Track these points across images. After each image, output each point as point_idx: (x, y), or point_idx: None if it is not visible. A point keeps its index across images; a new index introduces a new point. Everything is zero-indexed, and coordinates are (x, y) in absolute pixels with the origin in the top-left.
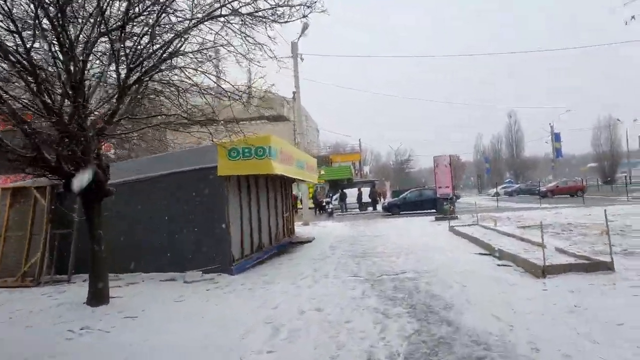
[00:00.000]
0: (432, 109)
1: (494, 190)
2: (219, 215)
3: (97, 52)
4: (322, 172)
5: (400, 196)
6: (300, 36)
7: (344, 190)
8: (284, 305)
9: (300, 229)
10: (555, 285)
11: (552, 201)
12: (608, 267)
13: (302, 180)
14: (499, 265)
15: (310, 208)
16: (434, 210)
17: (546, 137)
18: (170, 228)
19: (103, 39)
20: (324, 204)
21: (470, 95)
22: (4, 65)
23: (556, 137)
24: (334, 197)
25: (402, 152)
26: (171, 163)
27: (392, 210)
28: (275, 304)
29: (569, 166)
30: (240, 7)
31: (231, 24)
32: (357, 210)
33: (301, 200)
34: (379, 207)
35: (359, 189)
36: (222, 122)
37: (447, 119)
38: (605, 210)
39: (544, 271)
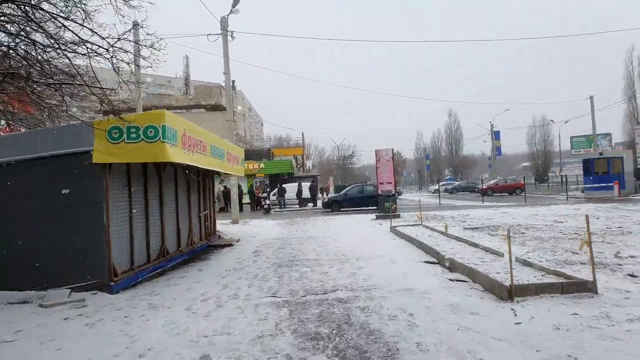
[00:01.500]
0: (378, 105)
1: (435, 187)
2: (94, 216)
3: None
4: (262, 166)
5: (341, 192)
6: (230, 11)
7: (283, 186)
8: (157, 348)
9: (226, 229)
10: (531, 317)
11: (493, 199)
12: (589, 288)
13: (226, 174)
14: (451, 280)
15: (245, 204)
16: (376, 208)
17: (484, 135)
18: (28, 232)
19: None
20: (261, 199)
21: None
22: None
23: (496, 135)
24: (272, 192)
25: (345, 148)
26: (29, 145)
27: (333, 206)
28: (148, 345)
29: (503, 165)
30: None
31: None
32: (297, 206)
33: (226, 196)
34: (320, 204)
35: (299, 184)
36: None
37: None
38: (587, 217)
39: (511, 292)
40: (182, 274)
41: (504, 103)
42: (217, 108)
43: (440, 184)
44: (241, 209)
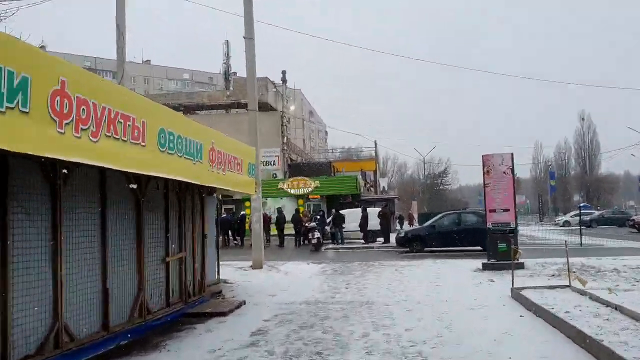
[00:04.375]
0: (474, 110)
1: (564, 217)
2: None
3: None
4: (317, 184)
5: (427, 223)
6: None
7: (341, 212)
8: None
9: (241, 277)
10: None
11: None
12: None
13: (225, 190)
14: None
15: (288, 235)
16: (480, 249)
17: (632, 146)
18: None
19: None
20: (308, 231)
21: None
22: None
23: None
24: (327, 220)
25: (434, 162)
26: None
27: (413, 245)
28: None
29: None
30: None
31: None
32: (362, 241)
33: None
34: (394, 239)
35: (364, 210)
36: None
37: (495, 124)
38: None
39: None
40: None
41: None
42: (261, 107)
43: (571, 214)
44: (281, 243)
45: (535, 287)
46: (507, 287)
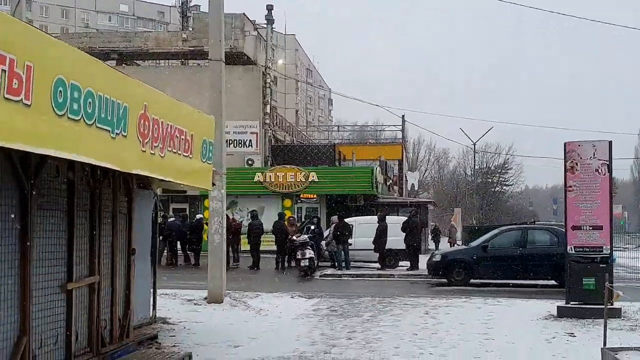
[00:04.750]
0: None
1: None
2: None
3: None
4: (313, 177)
5: (476, 242)
6: None
7: (346, 221)
8: None
9: (190, 315)
10: None
11: None
12: None
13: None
14: None
15: (265, 252)
16: (555, 284)
17: None
18: None
19: None
20: (297, 247)
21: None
22: None
23: None
24: (325, 234)
25: (490, 150)
26: None
27: (453, 273)
28: None
29: None
30: None
31: None
32: (376, 266)
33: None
34: (426, 265)
35: (381, 219)
36: None
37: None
38: None
39: None
40: None
41: None
42: (235, 59)
43: None
44: (255, 264)
45: None
46: (594, 346)
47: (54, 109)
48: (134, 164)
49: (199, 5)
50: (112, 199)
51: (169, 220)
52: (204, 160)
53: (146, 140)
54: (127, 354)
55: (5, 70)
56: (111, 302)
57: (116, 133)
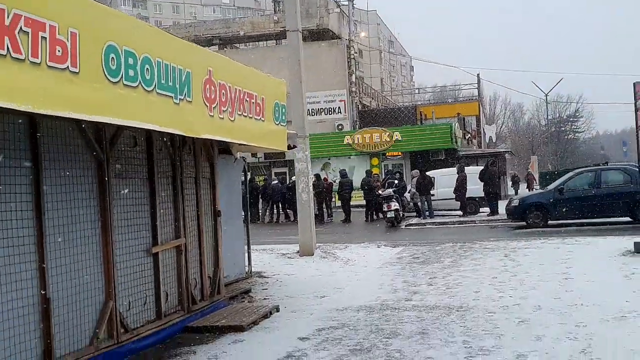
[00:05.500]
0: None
1: None
2: None
3: None
4: (397, 137)
5: (552, 185)
6: None
7: (427, 174)
8: None
9: (283, 268)
10: None
11: None
12: None
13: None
14: None
15: (355, 207)
16: (630, 220)
17: None
18: None
19: None
20: (382, 200)
21: None
22: None
23: None
24: (406, 187)
25: (562, 101)
26: None
27: (532, 216)
28: None
29: None
30: None
31: None
32: (458, 214)
33: (321, 193)
34: (504, 210)
35: (460, 170)
36: None
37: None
38: None
39: None
40: None
41: None
42: (321, 36)
43: None
44: (347, 218)
45: None
46: None
47: (106, 76)
48: (202, 128)
49: None
50: (194, 165)
51: (272, 183)
52: (277, 123)
53: (213, 105)
54: (218, 309)
55: (45, 37)
56: (200, 262)
57: (180, 99)
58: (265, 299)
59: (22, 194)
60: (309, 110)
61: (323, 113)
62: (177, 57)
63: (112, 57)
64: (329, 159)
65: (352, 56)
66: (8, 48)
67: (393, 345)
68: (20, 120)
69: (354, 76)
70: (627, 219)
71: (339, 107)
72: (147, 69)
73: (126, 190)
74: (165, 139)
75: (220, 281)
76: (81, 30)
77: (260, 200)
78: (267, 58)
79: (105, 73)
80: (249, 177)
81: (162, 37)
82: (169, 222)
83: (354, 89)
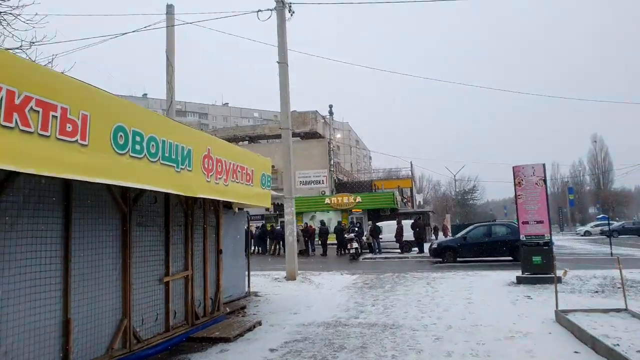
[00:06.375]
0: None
1: (584, 228)
2: None
3: None
4: (358, 199)
5: (459, 234)
6: None
7: (378, 224)
8: None
9: (273, 289)
10: None
11: None
12: None
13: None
14: None
15: (332, 244)
16: (511, 259)
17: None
18: None
19: None
20: (348, 241)
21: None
22: None
23: None
24: (363, 233)
25: (465, 180)
26: None
27: (445, 255)
28: None
29: None
30: None
31: None
32: (398, 251)
33: (308, 235)
34: (427, 250)
35: (399, 222)
36: None
37: (516, 146)
38: None
39: None
40: None
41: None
42: (312, 136)
43: (591, 224)
44: (324, 253)
45: (585, 311)
46: (547, 306)
47: (113, 149)
48: (198, 190)
49: (295, 110)
50: (202, 216)
51: (276, 228)
52: (263, 187)
53: (210, 174)
54: (216, 323)
55: (56, 116)
56: (204, 287)
57: (181, 168)
58: (254, 314)
59: (54, 237)
60: (303, 181)
61: (312, 184)
62: (181, 138)
63: (121, 135)
64: (315, 213)
65: (331, 149)
66: (16, 121)
67: (339, 357)
68: (54, 181)
69: (332, 161)
70: (509, 258)
71: (323, 180)
72: (153, 145)
73: (146, 235)
74: (180, 198)
75: (220, 301)
76: (92, 113)
77: (268, 239)
78: (277, 151)
79: (113, 146)
80: (262, 223)
81: (169, 123)
82: (180, 258)
83: (332, 169)
